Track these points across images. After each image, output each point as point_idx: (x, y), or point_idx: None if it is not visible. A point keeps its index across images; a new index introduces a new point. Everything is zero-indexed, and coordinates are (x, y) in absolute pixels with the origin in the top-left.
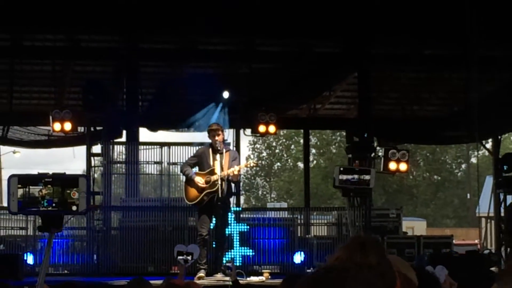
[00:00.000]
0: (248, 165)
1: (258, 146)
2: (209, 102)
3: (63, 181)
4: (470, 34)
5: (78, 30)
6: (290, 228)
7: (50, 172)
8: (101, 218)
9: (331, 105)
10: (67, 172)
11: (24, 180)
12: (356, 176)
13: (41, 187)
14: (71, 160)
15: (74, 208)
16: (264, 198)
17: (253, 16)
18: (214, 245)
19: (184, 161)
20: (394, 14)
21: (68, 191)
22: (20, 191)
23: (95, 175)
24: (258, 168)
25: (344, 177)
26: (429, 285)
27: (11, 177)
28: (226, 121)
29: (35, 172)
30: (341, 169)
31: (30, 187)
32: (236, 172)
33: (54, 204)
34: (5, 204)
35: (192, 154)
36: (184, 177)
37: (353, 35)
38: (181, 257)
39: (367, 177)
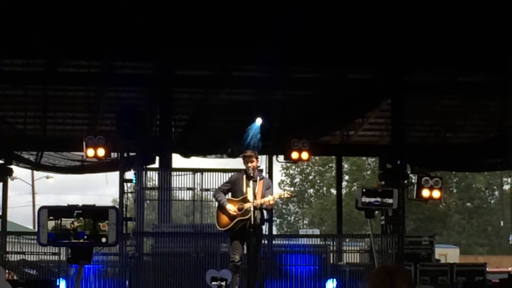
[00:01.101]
0: (283, 196)
1: (291, 171)
2: (242, 128)
3: (93, 213)
4: (506, 60)
5: (112, 56)
6: (322, 255)
7: (80, 204)
8: (134, 244)
9: (364, 131)
10: (100, 199)
11: (54, 212)
12: (379, 199)
13: (72, 219)
14: (104, 186)
15: (103, 240)
16: (296, 224)
17: (289, 44)
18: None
19: (216, 187)
20: (428, 41)
21: (99, 223)
22: (52, 223)
23: (128, 201)
24: (291, 197)
25: (367, 199)
26: None
27: (41, 209)
28: (260, 148)
29: (68, 198)
30: (364, 190)
31: (62, 219)
32: (271, 202)
33: (85, 237)
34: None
35: (225, 180)
36: (216, 203)
37: (386, 62)
38: (215, 283)
39: (389, 200)
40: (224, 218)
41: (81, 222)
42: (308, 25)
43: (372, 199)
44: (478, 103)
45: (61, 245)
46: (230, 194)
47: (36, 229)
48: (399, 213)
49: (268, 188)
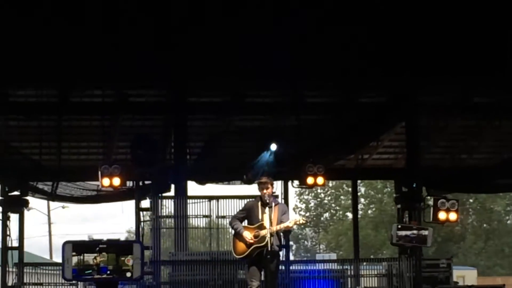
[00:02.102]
0: (298, 222)
1: (306, 196)
2: (257, 154)
3: (117, 248)
4: None
5: (126, 85)
6: (340, 280)
7: (105, 239)
8: (151, 273)
9: (379, 155)
10: (116, 228)
11: (79, 246)
12: (415, 232)
13: (95, 254)
14: (119, 215)
15: (128, 274)
16: (313, 249)
17: (300, 68)
18: None
19: (232, 214)
20: (441, 63)
21: (123, 258)
22: (75, 259)
23: (144, 230)
24: (306, 223)
25: (403, 233)
26: None
27: (66, 243)
28: (274, 173)
29: (84, 227)
30: (399, 226)
31: (85, 254)
32: (289, 225)
33: (108, 272)
34: (55, 259)
35: (241, 208)
36: (233, 230)
37: (400, 85)
38: None
39: (425, 232)
40: (241, 246)
41: (104, 257)
42: (320, 49)
43: (409, 233)
44: (492, 123)
45: (84, 280)
46: (246, 221)
47: (61, 263)
48: None
49: (284, 214)
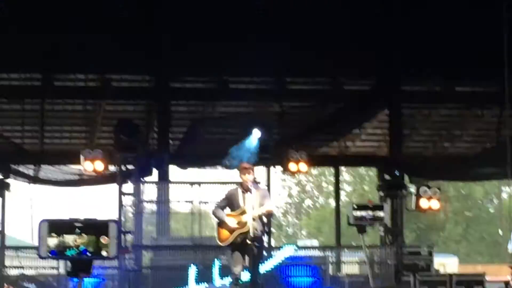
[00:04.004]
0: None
1: (288, 183)
2: (239, 140)
3: (93, 227)
4: (502, 70)
5: (109, 70)
6: (321, 267)
7: (81, 218)
8: (133, 257)
9: (362, 142)
10: (98, 211)
11: (55, 225)
12: (370, 213)
13: (75, 236)
14: (102, 200)
15: (104, 253)
16: (294, 235)
17: (283, 54)
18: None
19: (214, 199)
20: (425, 52)
21: (99, 237)
22: (55, 240)
23: (126, 215)
24: (288, 206)
25: (358, 213)
26: None
27: (42, 222)
28: (257, 160)
29: (66, 211)
30: (355, 206)
31: (65, 235)
32: (269, 209)
33: (88, 253)
34: (37, 243)
35: (222, 197)
36: (216, 219)
37: (384, 73)
38: None
39: (381, 213)
40: (224, 233)
41: (83, 239)
42: (304, 37)
43: (364, 213)
44: (475, 112)
45: (59, 258)
46: (228, 209)
47: (37, 243)
48: (397, 223)
49: (265, 198)
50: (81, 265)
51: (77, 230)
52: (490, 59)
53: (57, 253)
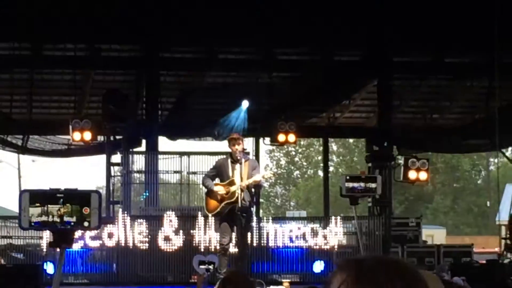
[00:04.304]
0: (265, 176)
1: (277, 154)
2: (228, 111)
3: (75, 197)
4: (492, 42)
5: (99, 40)
6: (309, 237)
7: (62, 188)
8: (112, 221)
9: (351, 113)
10: (86, 182)
11: (36, 195)
12: (362, 184)
13: (59, 206)
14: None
15: (86, 224)
16: (283, 206)
17: (273, 25)
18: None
19: (203, 170)
20: (415, 22)
21: (82, 207)
22: (38, 210)
23: (114, 185)
24: (277, 177)
25: (350, 184)
26: None
27: (23, 192)
28: (246, 130)
29: (54, 181)
30: (348, 177)
31: (48, 206)
32: (258, 180)
33: (72, 223)
34: None
35: (211, 166)
36: (205, 189)
37: (373, 43)
38: (202, 267)
39: (373, 185)
40: (212, 203)
41: (67, 209)
42: (293, 6)
43: (356, 184)
44: (464, 84)
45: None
46: (217, 179)
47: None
48: (385, 195)
49: (254, 169)
50: (63, 236)
51: (61, 200)
52: (479, 30)
53: (40, 223)
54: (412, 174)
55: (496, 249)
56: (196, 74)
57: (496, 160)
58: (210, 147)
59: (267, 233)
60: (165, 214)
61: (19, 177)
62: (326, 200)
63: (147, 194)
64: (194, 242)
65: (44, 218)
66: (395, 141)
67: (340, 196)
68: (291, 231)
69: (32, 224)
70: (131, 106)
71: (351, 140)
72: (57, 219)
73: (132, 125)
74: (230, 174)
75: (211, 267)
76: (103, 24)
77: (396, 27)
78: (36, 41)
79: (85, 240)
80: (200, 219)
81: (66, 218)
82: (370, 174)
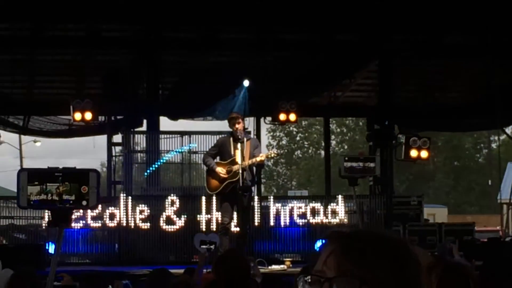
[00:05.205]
0: (269, 155)
1: (278, 133)
2: (229, 90)
3: (73, 176)
4: (491, 21)
5: (99, 19)
6: (310, 217)
7: (61, 167)
8: (110, 201)
9: (352, 92)
10: (88, 163)
11: (34, 174)
12: (361, 164)
13: (58, 184)
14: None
15: (84, 203)
16: (285, 185)
17: (274, 4)
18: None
19: (204, 149)
20: (416, 1)
21: (81, 186)
22: (37, 188)
23: (116, 165)
24: (278, 157)
25: (349, 164)
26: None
27: (21, 171)
28: (247, 110)
29: (56, 161)
30: (346, 158)
31: (48, 184)
32: (260, 159)
33: (71, 202)
34: None
35: (213, 144)
36: (205, 167)
37: (374, 23)
38: (204, 246)
39: (372, 164)
40: (214, 182)
41: (66, 187)
42: None
43: (355, 164)
44: (466, 63)
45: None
46: (218, 158)
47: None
48: (387, 173)
49: (256, 148)
50: (61, 215)
51: (59, 179)
52: (481, 8)
53: (39, 201)
54: (413, 153)
55: (498, 228)
56: (197, 54)
57: (497, 138)
58: (212, 126)
59: (269, 213)
60: (167, 194)
61: (21, 157)
62: (328, 179)
63: (152, 168)
64: (196, 222)
65: (43, 196)
66: (396, 120)
67: (339, 177)
68: (292, 210)
69: (31, 202)
70: (132, 86)
71: (350, 120)
72: (56, 198)
73: (133, 105)
74: (232, 152)
75: (212, 246)
76: (104, 4)
77: (398, 6)
78: (36, 21)
79: (86, 220)
80: (202, 199)
81: (65, 197)
82: (369, 155)
